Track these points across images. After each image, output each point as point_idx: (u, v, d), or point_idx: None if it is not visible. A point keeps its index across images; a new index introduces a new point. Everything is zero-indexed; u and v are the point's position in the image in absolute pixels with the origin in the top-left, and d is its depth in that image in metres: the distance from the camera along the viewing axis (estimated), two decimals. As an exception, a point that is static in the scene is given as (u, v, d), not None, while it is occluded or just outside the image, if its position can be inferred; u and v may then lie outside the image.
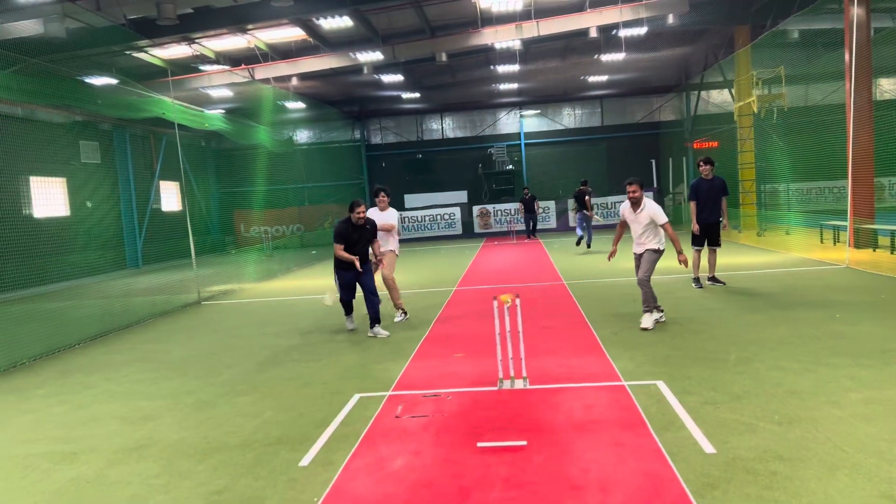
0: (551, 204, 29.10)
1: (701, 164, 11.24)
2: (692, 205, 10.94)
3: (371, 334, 8.64)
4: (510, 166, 30.65)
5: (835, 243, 15.69)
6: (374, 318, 8.67)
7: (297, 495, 4.00)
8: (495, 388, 5.88)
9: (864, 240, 14.32)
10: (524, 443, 4.56)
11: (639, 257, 8.29)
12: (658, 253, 8.16)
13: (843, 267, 12.15)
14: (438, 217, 29.51)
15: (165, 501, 4.04)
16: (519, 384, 5.91)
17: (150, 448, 5.00)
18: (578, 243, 18.32)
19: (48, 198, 19.23)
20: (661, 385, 5.69)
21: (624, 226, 8.59)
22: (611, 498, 3.69)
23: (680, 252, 8.03)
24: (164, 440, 5.16)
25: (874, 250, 13.95)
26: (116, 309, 12.44)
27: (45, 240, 17.59)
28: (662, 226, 8.02)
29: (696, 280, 10.90)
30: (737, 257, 14.84)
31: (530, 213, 24.89)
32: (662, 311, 8.39)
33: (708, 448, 4.28)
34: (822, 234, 16.72)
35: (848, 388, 5.30)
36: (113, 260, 21.67)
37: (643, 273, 8.07)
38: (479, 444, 4.60)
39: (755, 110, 19.29)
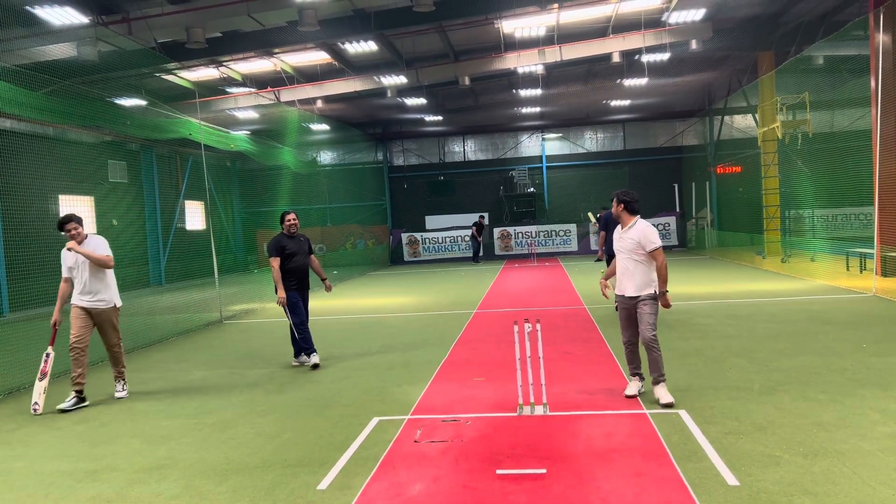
0: (573, 227, 29.03)
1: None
2: (602, 234, 11.94)
3: (297, 363, 8.66)
4: (531, 189, 30.69)
5: (861, 271, 15.44)
6: (305, 348, 8.56)
7: (315, 519, 3.98)
8: (515, 414, 5.84)
9: (893, 268, 14.07)
10: (544, 471, 4.52)
11: (629, 304, 6.15)
12: (656, 300, 6.09)
13: (870, 295, 11.95)
14: (459, 239, 29.55)
15: (185, 522, 4.05)
16: (539, 410, 5.86)
17: (171, 468, 5.03)
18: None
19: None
20: (684, 414, 5.62)
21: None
22: (632, 530, 3.64)
23: (664, 292, 6.03)
24: (185, 460, 5.19)
25: (902, 279, 13.70)
26: (139, 327, 12.55)
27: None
28: (653, 253, 6.02)
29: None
30: (761, 284, 14.67)
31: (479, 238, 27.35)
32: (643, 379, 6.43)
33: (731, 480, 4.21)
34: (849, 261, 16.47)
35: (876, 422, 5.19)
36: (137, 278, 21.97)
37: (650, 328, 5.98)
38: (499, 472, 4.56)
39: (779, 136, 19.16)
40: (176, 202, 25.18)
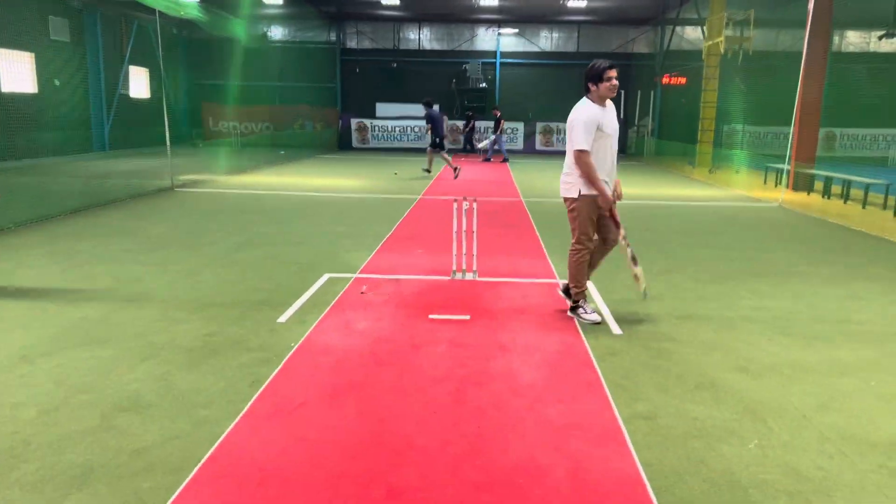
0: (520, 126, 29.62)
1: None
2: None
3: None
4: (483, 84, 30.89)
5: (776, 185, 16.79)
6: None
7: (277, 341, 4.84)
8: (448, 278, 6.75)
9: (802, 183, 15.41)
10: (468, 317, 5.47)
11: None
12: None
13: (776, 205, 13.24)
14: (408, 129, 29.84)
15: (167, 337, 4.84)
16: (469, 276, 6.79)
17: (147, 301, 5.77)
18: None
19: (16, 72, 19.07)
20: (591, 285, 6.62)
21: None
22: (530, 357, 4.63)
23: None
24: (159, 296, 5.93)
25: (808, 193, 15.07)
26: (93, 188, 12.88)
27: (13, 115, 17.62)
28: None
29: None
30: (686, 190, 15.85)
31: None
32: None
33: (616, 330, 5.25)
34: (766, 175, 17.80)
35: (743, 297, 6.32)
36: (79, 142, 21.70)
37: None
38: (431, 316, 5.49)
39: (722, 51, 19.93)
40: (120, 67, 24.49)
